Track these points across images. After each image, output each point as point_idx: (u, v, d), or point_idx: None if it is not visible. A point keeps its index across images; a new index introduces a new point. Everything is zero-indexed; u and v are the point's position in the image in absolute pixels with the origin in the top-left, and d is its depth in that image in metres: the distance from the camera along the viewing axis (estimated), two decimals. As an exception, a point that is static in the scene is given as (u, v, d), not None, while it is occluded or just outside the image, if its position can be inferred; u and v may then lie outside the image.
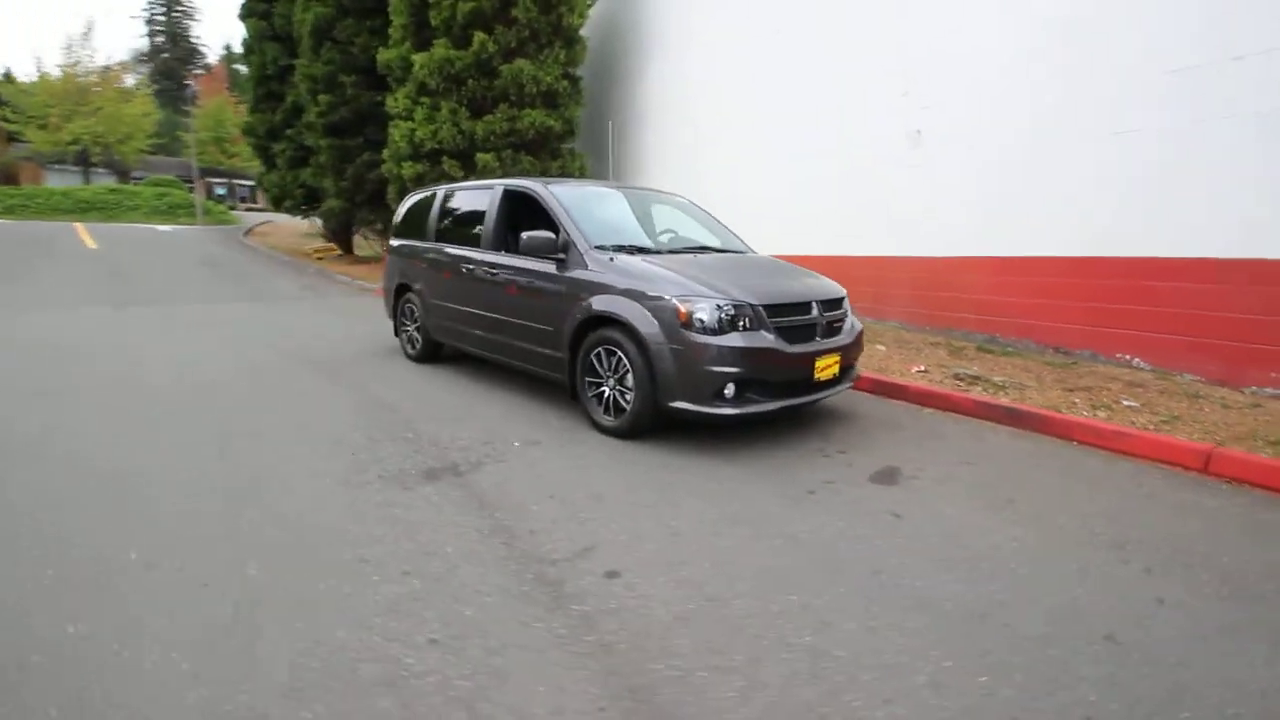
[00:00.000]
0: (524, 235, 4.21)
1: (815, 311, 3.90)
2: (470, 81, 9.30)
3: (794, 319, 3.79)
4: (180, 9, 55.49)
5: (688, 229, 5.00)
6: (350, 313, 8.63)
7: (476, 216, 5.10)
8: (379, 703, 1.72)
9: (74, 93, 30.11)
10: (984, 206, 6.30)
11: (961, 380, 4.92)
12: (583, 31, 10.04)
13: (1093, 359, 5.55)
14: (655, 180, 9.41)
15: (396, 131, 9.88)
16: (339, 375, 5.23)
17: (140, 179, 31.62)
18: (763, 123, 8.43)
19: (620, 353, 3.77)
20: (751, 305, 3.63)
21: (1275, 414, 4.14)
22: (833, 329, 4.02)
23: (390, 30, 10.32)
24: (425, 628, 2.03)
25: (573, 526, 2.73)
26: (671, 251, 4.44)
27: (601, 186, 5.27)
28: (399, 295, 5.97)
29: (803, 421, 4.21)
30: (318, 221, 16.84)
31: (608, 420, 3.90)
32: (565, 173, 9.97)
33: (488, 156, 9.22)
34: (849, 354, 4.09)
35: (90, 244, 15.99)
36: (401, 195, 8.35)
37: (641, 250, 4.23)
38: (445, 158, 9.45)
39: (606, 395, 3.89)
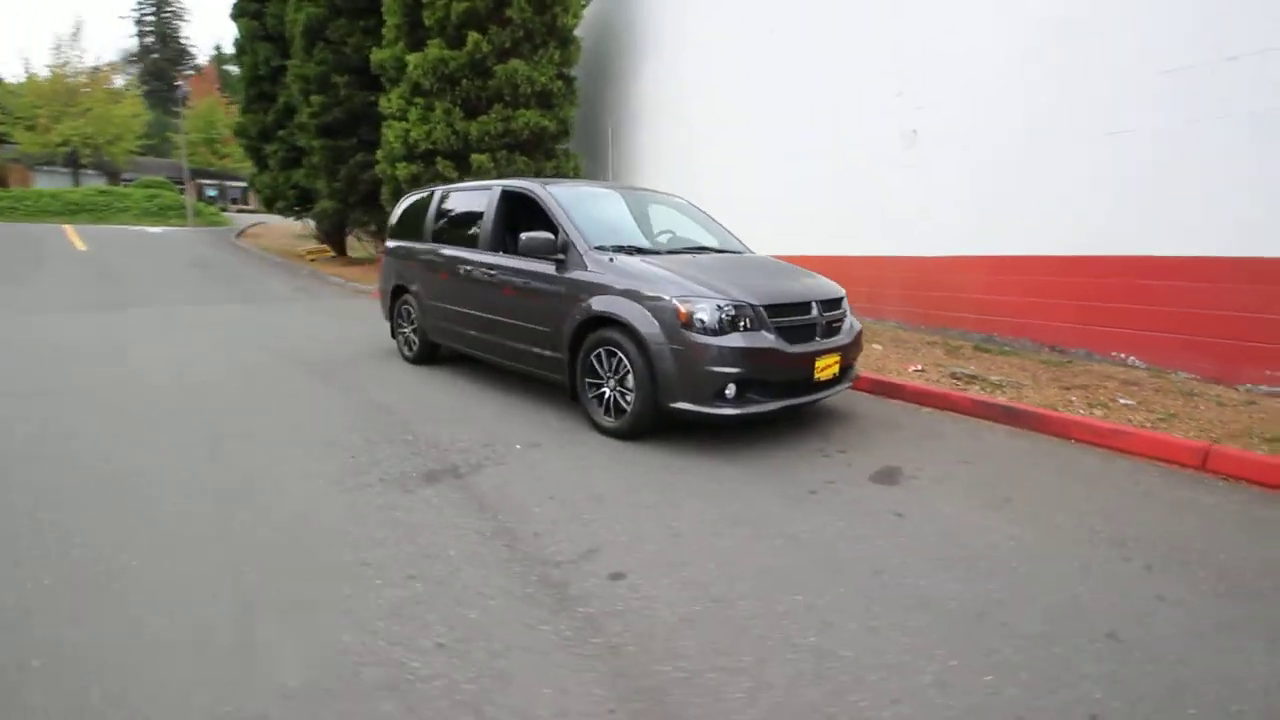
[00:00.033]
0: (523, 236, 4.19)
1: (815, 311, 3.90)
2: (464, 82, 9.28)
3: (794, 319, 3.79)
4: (170, 9, 55.23)
5: (685, 229, 5.00)
6: (344, 314, 8.58)
7: (474, 217, 5.09)
8: (383, 706, 1.71)
9: (62, 94, 29.85)
10: (979, 206, 6.32)
11: (959, 379, 4.94)
12: (577, 32, 10.03)
13: (1088, 357, 5.58)
14: (650, 180, 9.40)
15: (390, 132, 9.85)
16: (334, 377, 5.20)
17: (130, 181, 31.41)
18: (757, 123, 8.44)
19: (620, 353, 3.76)
20: (752, 305, 3.63)
21: (1270, 411, 4.17)
22: (832, 329, 4.03)
23: (384, 30, 10.30)
24: (429, 631, 2.02)
25: (575, 528, 2.73)
26: (670, 252, 4.43)
27: (599, 187, 5.26)
28: (395, 297, 5.94)
29: (803, 421, 4.21)
30: (310, 223, 16.78)
31: (608, 421, 3.89)
32: (560, 173, 9.96)
33: (482, 157, 9.20)
34: (848, 354, 4.10)
35: (80, 246, 15.88)
36: (396, 196, 8.33)
37: (640, 251, 4.22)
38: (440, 158, 9.43)
39: (607, 396, 3.89)
